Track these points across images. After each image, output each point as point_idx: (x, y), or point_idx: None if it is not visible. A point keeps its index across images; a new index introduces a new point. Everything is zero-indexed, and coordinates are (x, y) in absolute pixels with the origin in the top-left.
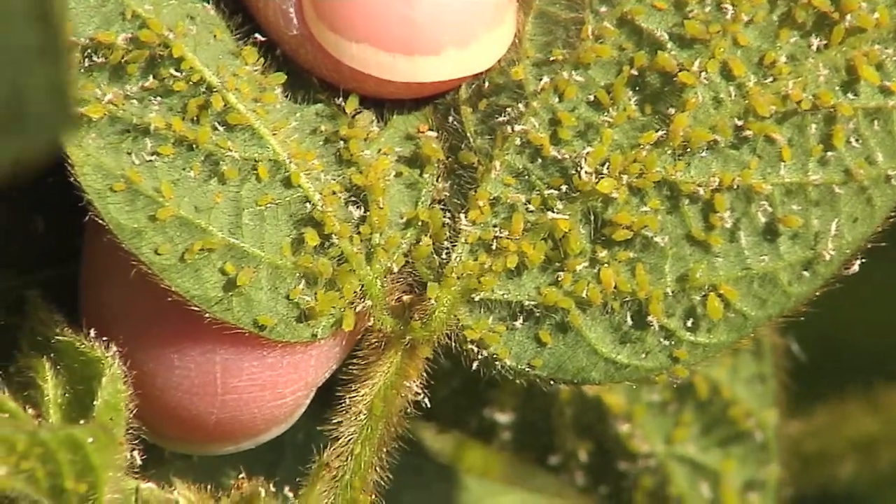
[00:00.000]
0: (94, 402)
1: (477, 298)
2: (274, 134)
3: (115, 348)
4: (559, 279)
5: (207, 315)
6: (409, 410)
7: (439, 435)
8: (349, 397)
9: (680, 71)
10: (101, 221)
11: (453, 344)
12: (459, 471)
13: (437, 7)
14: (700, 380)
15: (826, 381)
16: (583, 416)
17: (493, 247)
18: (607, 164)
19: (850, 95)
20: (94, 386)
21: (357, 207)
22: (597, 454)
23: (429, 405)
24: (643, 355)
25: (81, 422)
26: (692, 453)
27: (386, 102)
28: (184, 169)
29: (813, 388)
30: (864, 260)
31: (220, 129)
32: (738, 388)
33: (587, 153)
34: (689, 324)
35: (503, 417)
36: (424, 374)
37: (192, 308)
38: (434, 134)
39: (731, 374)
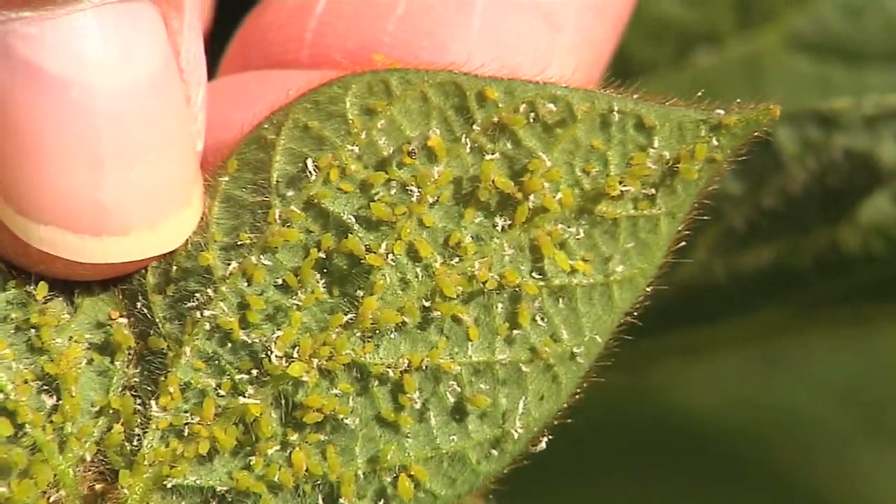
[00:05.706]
0: None
1: (169, 485)
2: None
3: None
4: (251, 463)
5: None
6: None
7: None
8: None
9: (367, 253)
10: None
11: None
12: None
13: (124, 188)
14: None
15: None
16: None
17: (185, 433)
18: (297, 347)
19: (535, 274)
20: None
21: (49, 396)
22: None
23: None
24: None
25: None
26: None
27: (76, 287)
28: None
29: None
30: (550, 437)
31: None
32: None
33: (277, 337)
34: None
35: None
36: None
37: None
38: (124, 320)
39: None
